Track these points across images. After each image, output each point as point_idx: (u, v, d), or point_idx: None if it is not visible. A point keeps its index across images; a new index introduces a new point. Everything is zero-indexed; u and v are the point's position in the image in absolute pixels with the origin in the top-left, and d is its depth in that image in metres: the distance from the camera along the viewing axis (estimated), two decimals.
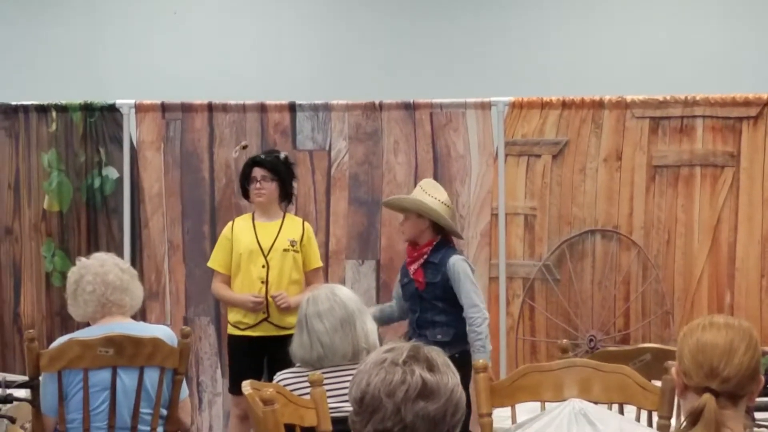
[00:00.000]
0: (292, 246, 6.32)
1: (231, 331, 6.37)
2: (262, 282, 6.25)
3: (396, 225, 6.88)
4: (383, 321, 6.24)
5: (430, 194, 6.08)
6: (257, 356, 6.29)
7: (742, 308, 6.63)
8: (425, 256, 6.07)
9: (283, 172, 6.37)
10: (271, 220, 6.35)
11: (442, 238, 6.09)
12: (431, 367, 2.52)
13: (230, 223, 6.45)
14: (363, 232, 6.98)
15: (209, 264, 6.46)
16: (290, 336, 5.99)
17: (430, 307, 6.04)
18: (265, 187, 6.32)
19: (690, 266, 6.72)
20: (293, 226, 6.39)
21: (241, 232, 6.33)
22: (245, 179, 6.39)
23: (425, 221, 6.07)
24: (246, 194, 6.43)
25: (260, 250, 6.27)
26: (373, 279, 6.96)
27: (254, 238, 6.29)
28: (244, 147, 6.93)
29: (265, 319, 6.27)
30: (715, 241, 6.71)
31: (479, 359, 5.87)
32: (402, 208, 6.15)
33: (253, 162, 6.38)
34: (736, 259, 6.70)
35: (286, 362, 6.24)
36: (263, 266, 6.25)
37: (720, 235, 6.71)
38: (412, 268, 6.09)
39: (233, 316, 6.34)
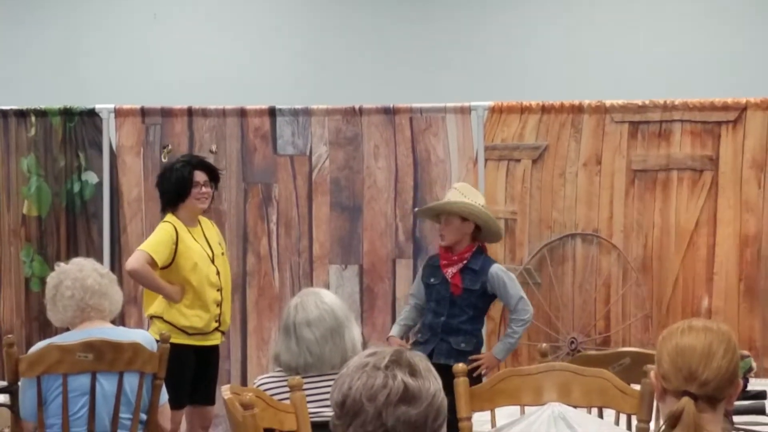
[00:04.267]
0: (222, 248, 6.31)
1: (177, 338, 5.87)
2: (218, 290, 6.18)
3: (378, 230, 6.90)
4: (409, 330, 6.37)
5: (470, 199, 6.10)
6: (194, 366, 6.13)
7: (721, 312, 6.65)
8: (465, 262, 6.10)
9: (217, 178, 6.30)
10: (196, 226, 6.21)
11: (479, 244, 6.13)
12: (413, 372, 2.52)
13: (170, 225, 6.10)
14: (345, 237, 6.97)
15: (149, 250, 6.01)
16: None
17: (459, 314, 6.08)
18: (206, 192, 6.18)
19: (667, 270, 6.75)
20: (209, 227, 6.30)
21: (188, 239, 6.11)
22: (186, 183, 6.12)
23: (470, 225, 6.10)
24: (178, 198, 6.15)
25: (209, 258, 6.17)
26: (357, 283, 6.96)
27: (199, 246, 6.14)
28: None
29: (217, 328, 6.19)
30: (694, 245, 6.73)
31: (499, 352, 6.10)
32: (447, 212, 6.12)
33: (197, 165, 6.19)
34: (715, 263, 6.72)
35: (209, 374, 6.27)
36: (216, 273, 6.17)
37: (698, 239, 6.73)
38: (449, 271, 6.09)
39: (184, 320, 6.06)
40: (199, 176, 6.16)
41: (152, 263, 6.01)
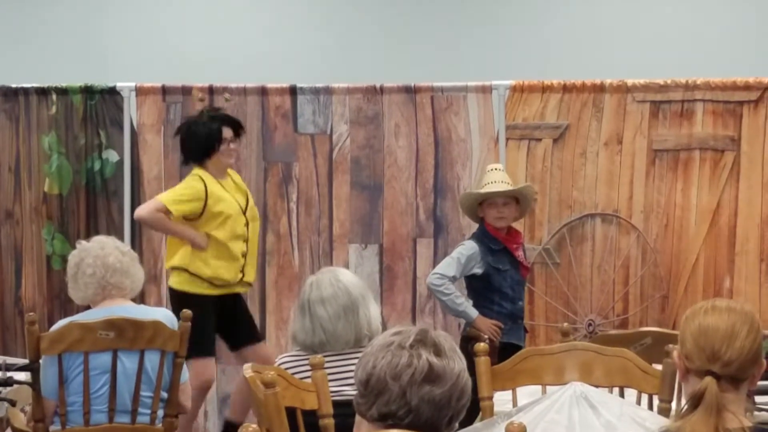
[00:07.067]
0: (251, 198, 6.34)
1: (200, 289, 5.98)
2: (245, 241, 6.16)
3: (399, 209, 6.89)
4: None
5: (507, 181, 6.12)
6: (218, 314, 6.10)
7: (742, 292, 6.64)
8: (522, 244, 6.18)
9: (241, 134, 6.31)
10: (226, 178, 6.19)
11: None
12: (438, 351, 2.52)
13: (199, 180, 6.06)
14: (365, 216, 6.97)
15: (167, 203, 5.98)
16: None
17: (523, 294, 6.23)
18: (234, 149, 6.20)
19: (687, 250, 6.73)
20: (237, 179, 6.31)
21: (218, 191, 6.07)
22: (215, 139, 6.08)
23: (519, 208, 6.11)
24: (205, 155, 6.11)
25: (241, 209, 6.15)
26: (377, 263, 6.95)
27: (231, 197, 6.11)
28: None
29: (242, 279, 6.17)
30: (715, 225, 6.72)
31: None
32: (522, 196, 6.11)
33: (223, 121, 6.15)
34: (736, 243, 6.70)
35: (241, 316, 6.24)
36: (245, 224, 6.15)
37: (720, 219, 6.72)
38: (521, 254, 6.10)
39: (209, 270, 6.03)
40: (227, 132, 6.14)
41: (166, 213, 6.00)
